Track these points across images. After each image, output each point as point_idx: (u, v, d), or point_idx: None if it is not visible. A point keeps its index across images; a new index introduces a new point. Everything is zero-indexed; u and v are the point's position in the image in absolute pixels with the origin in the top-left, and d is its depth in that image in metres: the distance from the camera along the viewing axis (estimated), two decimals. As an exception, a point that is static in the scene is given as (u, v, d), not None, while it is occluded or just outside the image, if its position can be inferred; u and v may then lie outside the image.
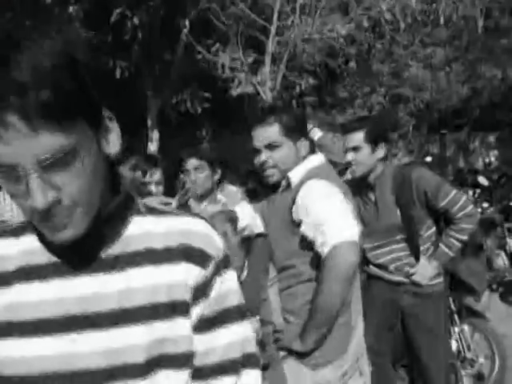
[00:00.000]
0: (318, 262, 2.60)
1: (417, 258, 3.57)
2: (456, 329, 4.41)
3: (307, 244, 2.62)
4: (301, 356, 2.68)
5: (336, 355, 2.70)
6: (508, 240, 7.85)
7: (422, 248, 3.58)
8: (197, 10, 10.73)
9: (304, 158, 2.80)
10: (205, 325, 1.14)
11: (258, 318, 3.13)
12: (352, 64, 13.77)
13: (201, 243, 1.14)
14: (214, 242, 1.16)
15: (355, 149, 3.49)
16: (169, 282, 1.10)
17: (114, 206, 1.11)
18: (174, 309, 1.10)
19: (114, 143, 1.06)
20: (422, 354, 3.65)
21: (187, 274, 1.11)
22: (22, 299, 1.06)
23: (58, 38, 0.95)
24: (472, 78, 16.99)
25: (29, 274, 1.07)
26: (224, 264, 1.17)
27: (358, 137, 3.48)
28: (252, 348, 1.23)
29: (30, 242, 1.11)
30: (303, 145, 2.78)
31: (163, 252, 1.11)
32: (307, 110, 12.43)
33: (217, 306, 1.15)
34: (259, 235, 3.18)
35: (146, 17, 10.49)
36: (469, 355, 4.41)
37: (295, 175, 2.75)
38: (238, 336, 1.19)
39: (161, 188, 3.79)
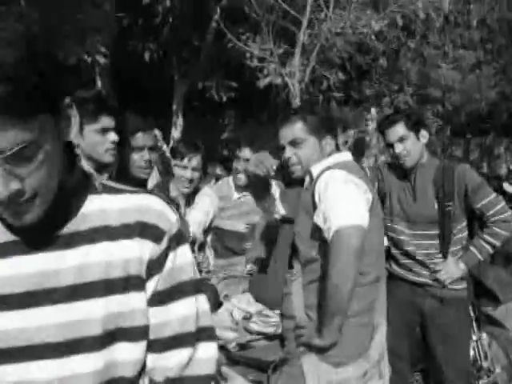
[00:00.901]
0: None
1: (445, 257, 3.52)
2: (474, 337, 4.33)
3: (321, 234, 2.59)
4: (321, 352, 2.64)
5: (357, 354, 2.67)
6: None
7: (451, 249, 3.53)
8: (229, -3, 10.67)
9: (329, 155, 2.79)
10: (159, 298, 1.18)
11: (278, 312, 3.11)
12: (381, 61, 13.64)
13: (154, 219, 1.17)
14: (167, 218, 1.19)
15: (401, 140, 3.48)
16: (124, 258, 1.14)
17: (70, 186, 1.14)
18: (129, 283, 1.14)
19: (73, 129, 1.09)
20: (440, 360, 3.59)
21: (142, 250, 1.15)
22: None
23: (17, 28, 0.95)
24: (502, 82, 16.79)
25: None
26: (177, 239, 1.20)
27: (401, 127, 3.48)
28: (207, 321, 1.27)
29: None
30: (328, 143, 2.83)
31: (118, 228, 1.15)
32: (333, 105, 12.35)
33: (171, 280, 1.19)
34: (285, 221, 3.17)
35: (178, 1, 10.44)
36: (485, 364, 4.34)
37: (316, 169, 2.76)
38: (193, 309, 1.22)
39: (197, 174, 3.79)
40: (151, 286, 1.17)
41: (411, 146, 3.49)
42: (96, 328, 1.10)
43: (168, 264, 1.18)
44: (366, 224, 2.52)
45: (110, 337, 1.13)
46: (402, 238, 3.60)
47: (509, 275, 4.11)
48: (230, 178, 4.33)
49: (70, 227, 1.13)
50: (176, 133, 12.33)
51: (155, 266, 1.17)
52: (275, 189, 3.19)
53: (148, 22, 10.98)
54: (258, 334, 3.23)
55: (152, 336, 1.19)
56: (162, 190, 3.37)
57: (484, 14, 15.61)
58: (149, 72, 11.76)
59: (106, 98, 3.11)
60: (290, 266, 2.91)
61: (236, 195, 4.23)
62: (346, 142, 9.46)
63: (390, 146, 3.55)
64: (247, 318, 3.23)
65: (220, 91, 12.10)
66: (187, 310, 1.22)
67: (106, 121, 2.68)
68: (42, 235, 1.10)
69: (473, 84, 16.09)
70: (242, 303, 3.30)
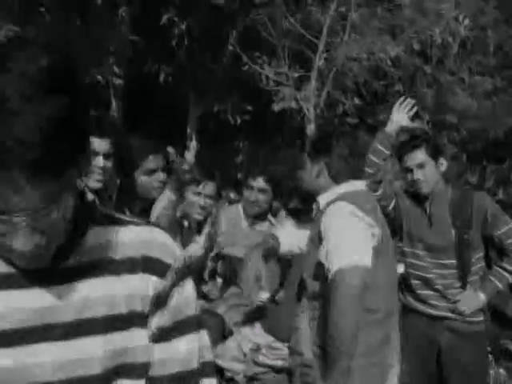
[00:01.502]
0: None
1: (464, 287, 3.42)
2: (491, 372, 4.20)
3: (324, 271, 2.50)
4: None
5: None
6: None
7: (470, 279, 3.43)
8: (245, 20, 10.71)
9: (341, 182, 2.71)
10: (163, 335, 1.14)
11: (287, 344, 3.02)
12: (397, 87, 13.61)
13: (159, 253, 1.13)
14: (172, 252, 1.16)
15: (421, 166, 3.41)
16: (127, 293, 1.10)
17: (74, 218, 1.08)
18: (132, 319, 1.10)
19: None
20: None
21: (146, 285, 1.11)
22: None
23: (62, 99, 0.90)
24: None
25: None
26: (181, 273, 1.17)
27: (421, 153, 3.42)
28: (209, 356, 1.23)
29: None
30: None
31: (122, 262, 1.11)
32: (346, 129, 12.32)
33: (175, 316, 1.15)
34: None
35: (194, 24, 10.51)
36: (503, 400, 4.22)
37: (323, 199, 2.68)
38: (196, 345, 1.18)
39: (210, 201, 3.73)
40: (155, 321, 1.12)
41: (429, 172, 3.42)
42: (97, 366, 1.06)
43: (172, 300, 1.14)
44: (368, 263, 2.44)
45: (110, 375, 1.08)
46: (422, 264, 3.51)
47: None
48: (240, 206, 4.25)
49: (72, 260, 1.07)
50: (189, 155, 12.33)
51: (159, 301, 1.12)
52: (292, 227, 3.13)
53: (164, 44, 11.04)
54: (267, 366, 3.15)
55: (154, 373, 1.14)
56: (174, 209, 3.32)
57: (501, 40, 15.55)
58: (163, 94, 11.79)
59: (113, 119, 3.09)
60: (299, 300, 2.82)
61: (245, 223, 4.14)
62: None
63: (408, 171, 3.49)
64: (256, 349, 3.15)
65: (235, 114, 12.12)
66: (191, 346, 1.17)
67: (95, 143, 2.63)
68: (42, 269, 1.04)
69: (489, 110, 16.02)
70: (251, 334, 3.22)
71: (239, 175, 13.07)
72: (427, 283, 3.51)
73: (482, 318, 3.51)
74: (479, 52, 16.00)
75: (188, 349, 1.17)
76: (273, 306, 3.42)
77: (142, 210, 3.02)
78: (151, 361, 1.14)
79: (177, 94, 12.08)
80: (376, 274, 2.47)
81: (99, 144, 2.74)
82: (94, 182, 2.76)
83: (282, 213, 3.98)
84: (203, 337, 1.22)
